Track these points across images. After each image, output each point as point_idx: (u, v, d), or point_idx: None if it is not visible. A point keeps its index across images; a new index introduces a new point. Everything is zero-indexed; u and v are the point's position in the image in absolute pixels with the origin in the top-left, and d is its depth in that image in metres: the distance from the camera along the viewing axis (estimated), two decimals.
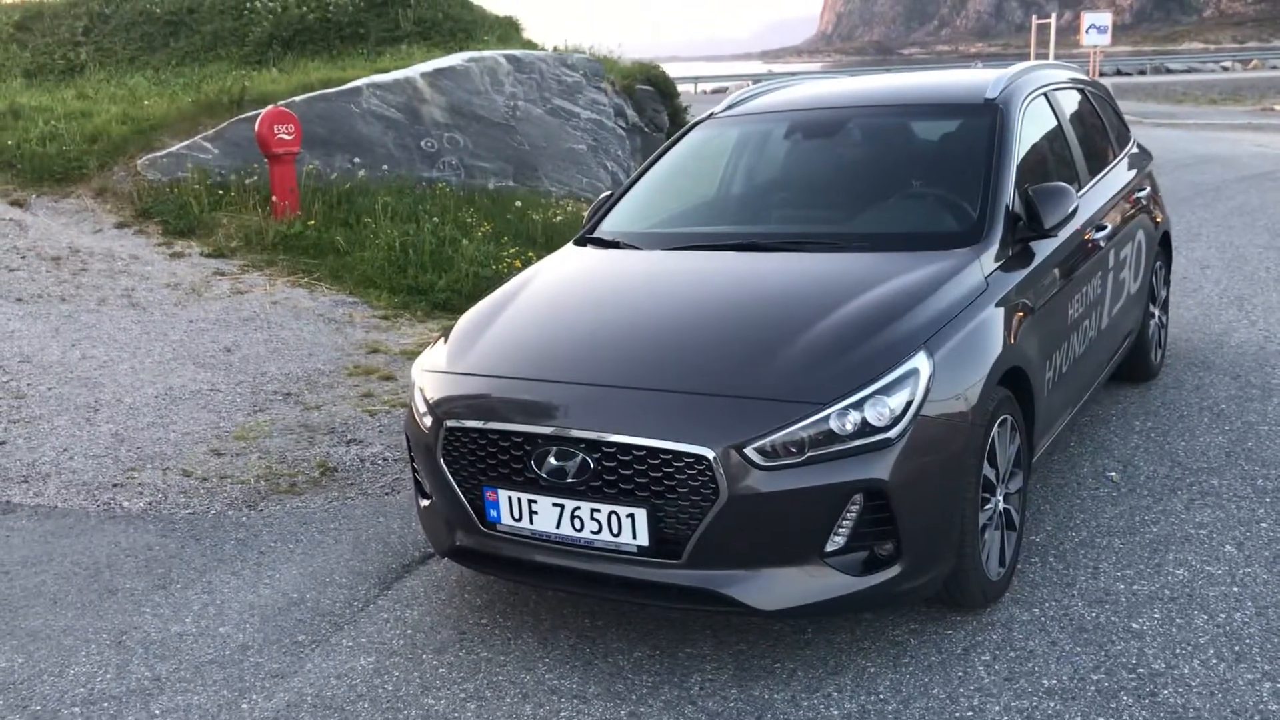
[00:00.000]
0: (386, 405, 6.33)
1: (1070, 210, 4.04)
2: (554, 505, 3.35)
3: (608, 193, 5.05)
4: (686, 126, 5.19)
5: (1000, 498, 3.65)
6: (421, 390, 3.81)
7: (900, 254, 3.91)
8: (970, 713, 3.11)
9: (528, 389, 3.56)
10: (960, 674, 3.30)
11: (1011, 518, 3.75)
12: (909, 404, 3.23)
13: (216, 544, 4.54)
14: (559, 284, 4.28)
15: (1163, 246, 6.00)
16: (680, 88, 19.44)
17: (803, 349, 3.37)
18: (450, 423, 3.57)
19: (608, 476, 3.27)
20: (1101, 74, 39.65)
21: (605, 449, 3.26)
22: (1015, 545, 3.80)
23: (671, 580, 3.27)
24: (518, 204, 11.15)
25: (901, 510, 3.19)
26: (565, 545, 3.38)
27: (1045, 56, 31.17)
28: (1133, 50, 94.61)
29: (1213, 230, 10.29)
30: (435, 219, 9.96)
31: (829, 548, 3.20)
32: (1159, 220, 5.86)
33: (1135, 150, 6.05)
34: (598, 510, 3.29)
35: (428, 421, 3.68)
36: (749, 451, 3.14)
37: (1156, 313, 5.92)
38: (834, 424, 3.17)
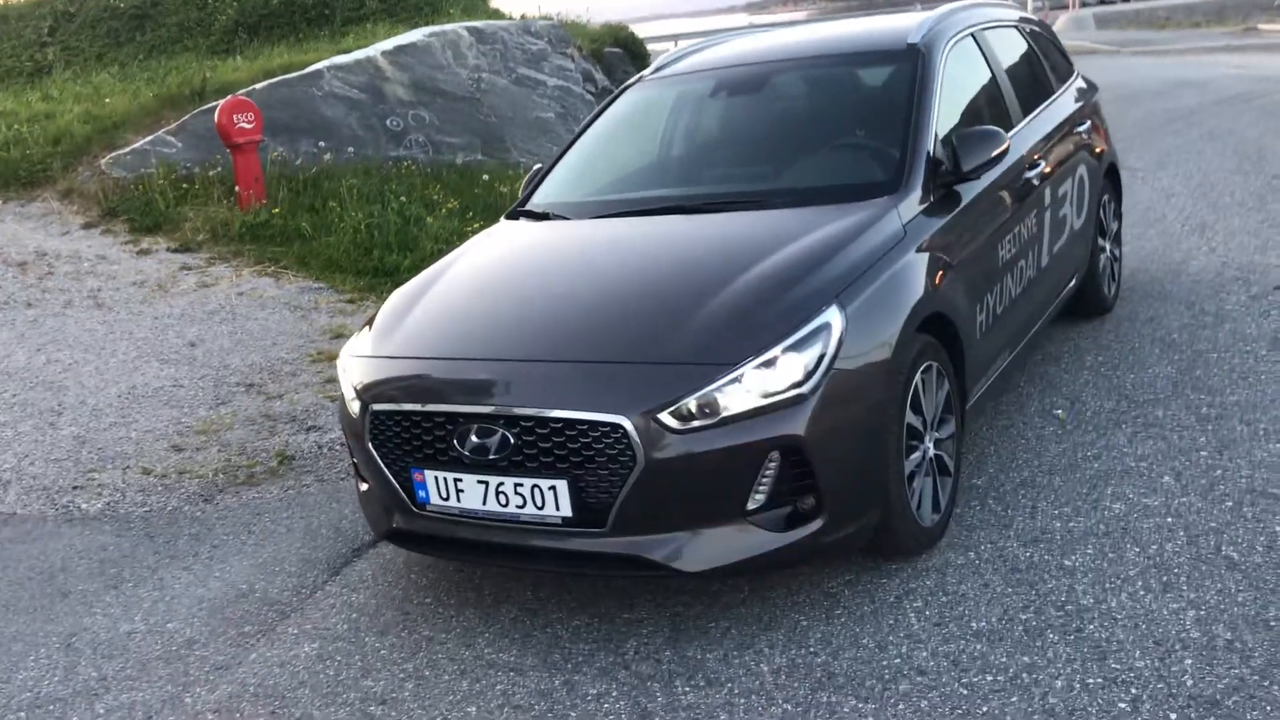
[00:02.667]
0: None
1: (995, 153, 4.01)
2: (479, 482, 3.37)
3: (539, 165, 5.03)
4: (614, 93, 5.16)
5: (930, 444, 3.66)
6: (347, 375, 3.82)
7: (820, 208, 3.90)
8: (898, 660, 3.14)
9: (447, 369, 3.57)
10: (891, 622, 3.33)
11: (945, 463, 3.76)
12: (821, 358, 3.23)
13: (170, 540, 4.57)
14: (485, 260, 4.28)
15: (1110, 179, 5.97)
16: (661, 45, 19.31)
17: (714, 311, 3.37)
18: (376, 407, 3.58)
19: (528, 451, 3.28)
20: (1084, 3, 39.26)
21: (523, 424, 3.28)
22: (951, 491, 3.81)
23: (598, 549, 3.29)
24: (485, 177, 11.11)
25: (820, 464, 3.21)
26: (494, 521, 3.40)
27: None
28: None
29: (1181, 158, 10.24)
30: (402, 198, 9.94)
31: (751, 506, 3.22)
32: (1101, 152, 5.82)
33: (1080, 85, 6.01)
34: (520, 485, 3.31)
35: (355, 407, 3.70)
36: (663, 417, 3.15)
37: (1107, 246, 5.90)
38: (746, 383, 3.17)
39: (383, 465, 3.59)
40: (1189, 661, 2.95)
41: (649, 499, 3.19)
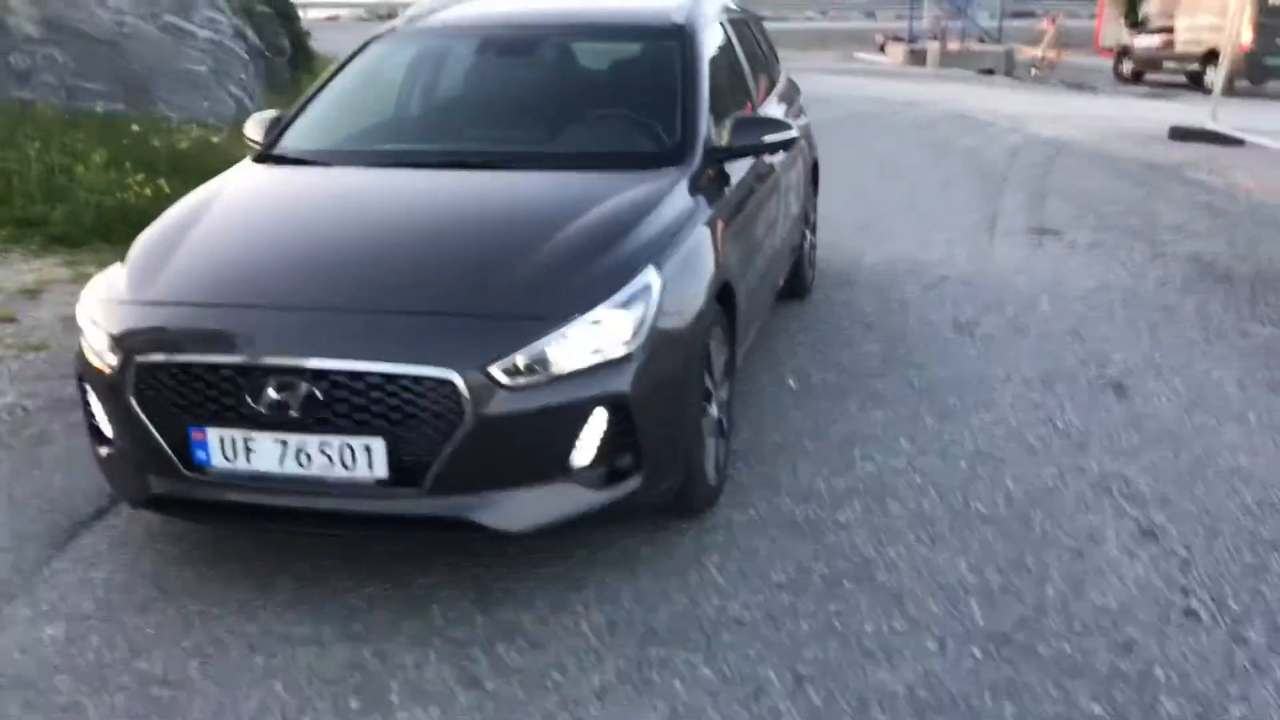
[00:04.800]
0: (13, 350, 5.61)
1: (777, 139, 4.20)
2: (276, 442, 3.10)
3: (275, 112, 4.68)
4: (363, 42, 4.90)
5: (714, 407, 3.78)
6: (97, 323, 3.39)
7: (611, 173, 3.91)
8: (713, 613, 3.22)
9: (235, 316, 3.26)
10: (696, 578, 3.40)
11: (723, 425, 3.90)
12: (643, 318, 3.25)
13: None
14: (251, 202, 3.94)
15: (813, 173, 6.41)
16: (317, 13, 18.47)
17: (535, 266, 3.30)
18: (143, 358, 3.20)
19: (338, 407, 3.06)
20: None
21: (334, 378, 3.05)
22: (725, 451, 3.95)
23: (414, 511, 3.13)
24: (135, 128, 10.16)
25: (642, 422, 3.22)
26: (291, 485, 3.14)
27: None
28: None
29: (829, 165, 11.10)
30: (36, 144, 8.89)
31: (574, 464, 3.18)
32: (812, 146, 6.24)
33: (788, 81, 6.39)
34: (328, 444, 3.08)
35: (112, 358, 3.28)
36: (494, 371, 3.04)
37: (809, 234, 6.33)
38: (575, 340, 3.13)
39: (148, 423, 3.22)
40: (974, 603, 3.25)
41: (472, 458, 3.07)
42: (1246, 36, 18.60)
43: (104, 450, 3.51)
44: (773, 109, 5.43)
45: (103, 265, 7.36)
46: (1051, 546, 3.56)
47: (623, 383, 3.17)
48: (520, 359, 3.07)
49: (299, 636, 3.15)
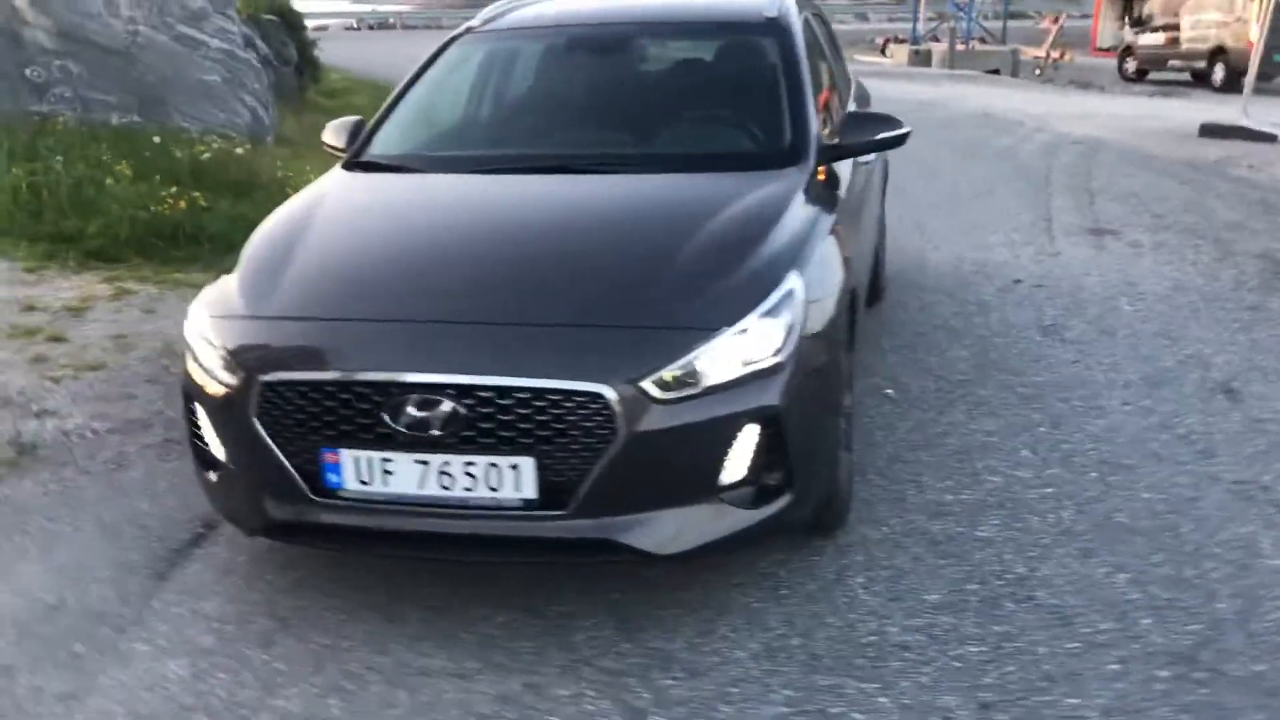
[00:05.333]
0: (70, 370, 5.41)
1: (888, 135, 4.03)
2: (416, 463, 2.92)
3: (357, 117, 4.50)
4: (443, 43, 4.72)
5: (843, 418, 3.61)
6: (212, 341, 3.20)
7: (727, 175, 3.75)
8: (874, 637, 3.04)
9: (370, 332, 3.07)
10: (844, 600, 3.23)
11: (850, 438, 3.73)
12: (791, 326, 3.08)
13: None
14: (357, 211, 3.76)
15: (885, 172, 6.25)
16: (319, 20, 18.33)
17: (680, 273, 3.13)
18: (269, 376, 3.01)
19: (483, 425, 2.88)
20: None
21: (481, 394, 2.87)
22: (850, 465, 3.78)
23: (561, 533, 2.95)
24: (156, 140, 9.95)
25: (792, 436, 3.05)
26: (430, 507, 2.96)
27: None
28: None
29: None
30: (59, 157, 8.69)
31: (723, 481, 3.00)
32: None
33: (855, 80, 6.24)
34: (472, 464, 2.90)
35: (229, 377, 3.10)
36: (646, 385, 2.87)
37: (883, 237, 6.17)
38: (725, 351, 2.95)
39: (273, 446, 3.03)
40: (1147, 621, 3.08)
41: (621, 477, 2.89)
42: (1254, 33, 18.51)
43: (213, 474, 3.32)
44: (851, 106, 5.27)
45: (142, 281, 7.21)
46: (1208, 558, 3.39)
47: (774, 395, 3.00)
48: (672, 372, 2.89)
49: (438, 669, 2.97)
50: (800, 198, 3.58)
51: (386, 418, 2.91)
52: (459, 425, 2.88)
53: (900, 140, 4.09)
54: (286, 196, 8.75)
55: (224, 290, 3.37)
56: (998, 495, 3.84)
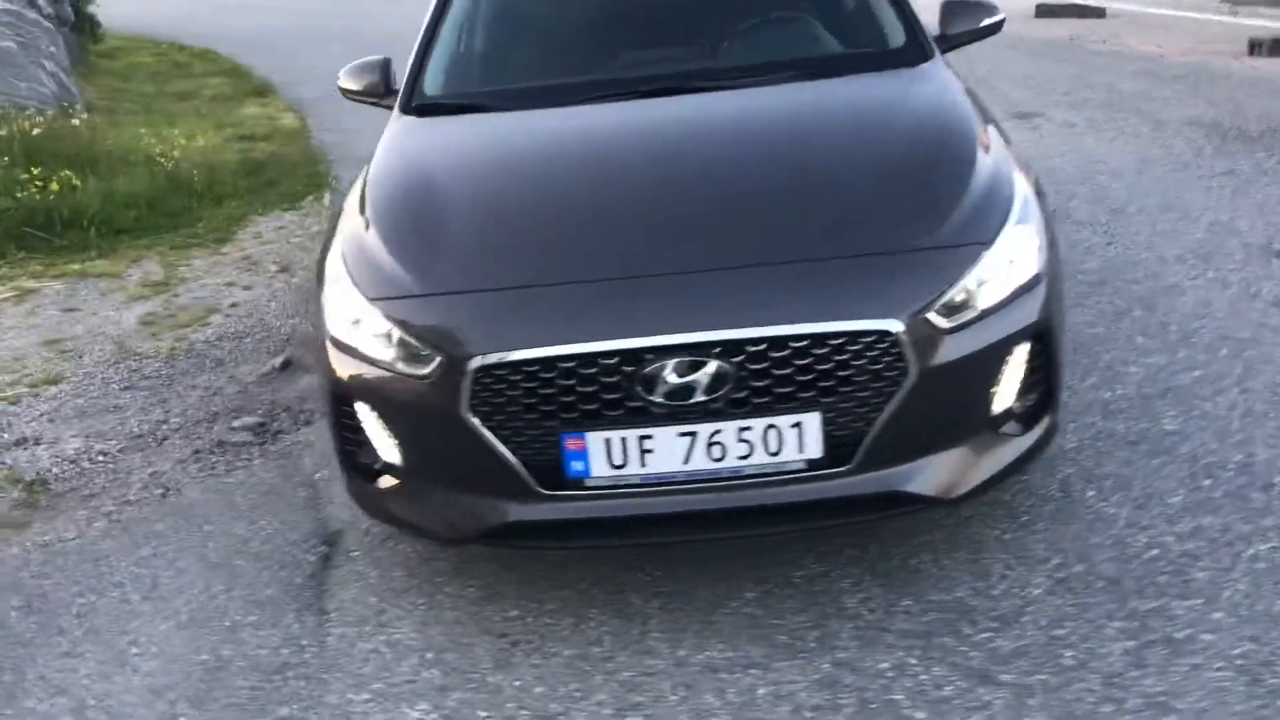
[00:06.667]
0: (25, 387, 4.68)
1: (988, 22, 3.78)
2: (681, 436, 2.54)
3: (381, 57, 3.94)
4: None
5: None
6: (385, 330, 2.70)
7: (862, 77, 3.45)
8: (1154, 550, 2.86)
9: (598, 294, 2.64)
10: (1092, 516, 3.04)
11: None
12: (1039, 232, 2.84)
13: (39, 625, 3.01)
14: (480, 162, 3.26)
15: None
16: None
17: (907, 189, 2.82)
18: (483, 360, 2.55)
19: (757, 383, 2.52)
20: None
21: (751, 348, 2.50)
22: None
23: (845, 492, 2.62)
24: None
25: (1055, 352, 2.82)
26: (697, 483, 2.58)
27: None
28: None
29: None
30: None
31: (995, 410, 2.75)
32: None
33: None
34: (747, 428, 2.53)
35: (421, 369, 2.62)
36: (932, 316, 2.57)
37: None
38: (994, 267, 2.68)
39: (494, 440, 2.58)
40: None
41: (908, 421, 2.58)
42: None
43: (384, 482, 2.84)
44: None
45: (38, 278, 6.29)
46: None
47: (1041, 309, 2.75)
48: (954, 296, 2.60)
49: (725, 662, 2.63)
50: (961, 95, 3.31)
51: (640, 389, 2.51)
52: (729, 387, 2.51)
53: (998, 27, 3.86)
54: (157, 167, 8.05)
55: (369, 269, 2.83)
56: (1151, 385, 3.73)
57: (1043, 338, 2.76)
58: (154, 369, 4.80)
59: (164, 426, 4.24)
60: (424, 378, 2.62)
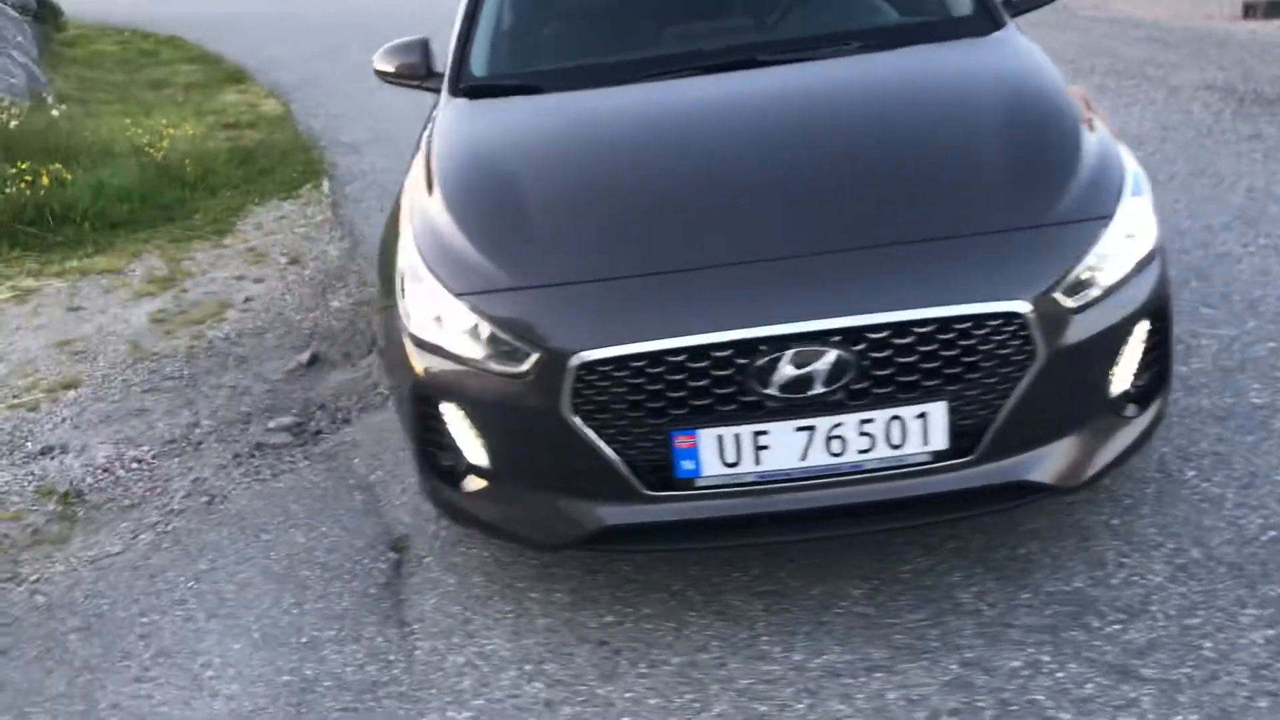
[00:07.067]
0: (42, 393, 4.49)
1: None
2: (798, 430, 2.40)
3: (420, 37, 3.76)
4: None
5: None
6: (474, 326, 2.54)
7: (936, 46, 3.31)
8: (1274, 533, 2.76)
9: (704, 282, 2.49)
10: (1198, 498, 2.93)
11: None
12: (1151, 204, 2.73)
13: (107, 644, 2.84)
14: (552, 144, 3.08)
15: None
16: None
17: (1018, 161, 2.69)
18: (586, 356, 2.40)
19: (879, 372, 2.38)
20: None
21: (873, 335, 2.36)
22: None
23: (970, 483, 2.50)
24: None
25: (1170, 329, 2.71)
26: (815, 479, 2.45)
27: None
28: None
29: None
30: None
31: (1113, 392, 2.63)
32: None
33: None
34: (869, 420, 2.40)
35: (516, 366, 2.47)
36: (1058, 295, 2.44)
37: None
38: (1115, 242, 2.56)
39: (597, 440, 2.44)
40: None
41: (1034, 407, 2.46)
42: None
43: (471, 485, 2.68)
44: None
45: (36, 276, 6.05)
46: None
47: (1159, 284, 2.64)
48: (1080, 273, 2.48)
49: (847, 665, 2.50)
50: (1050, 64, 3.18)
51: (755, 382, 2.37)
52: (849, 377, 2.37)
53: None
54: (145, 158, 7.78)
55: (451, 263, 2.66)
56: (1228, 357, 3.64)
57: (1161, 314, 2.66)
58: (174, 369, 4.61)
59: (196, 430, 4.06)
60: (519, 375, 2.47)
